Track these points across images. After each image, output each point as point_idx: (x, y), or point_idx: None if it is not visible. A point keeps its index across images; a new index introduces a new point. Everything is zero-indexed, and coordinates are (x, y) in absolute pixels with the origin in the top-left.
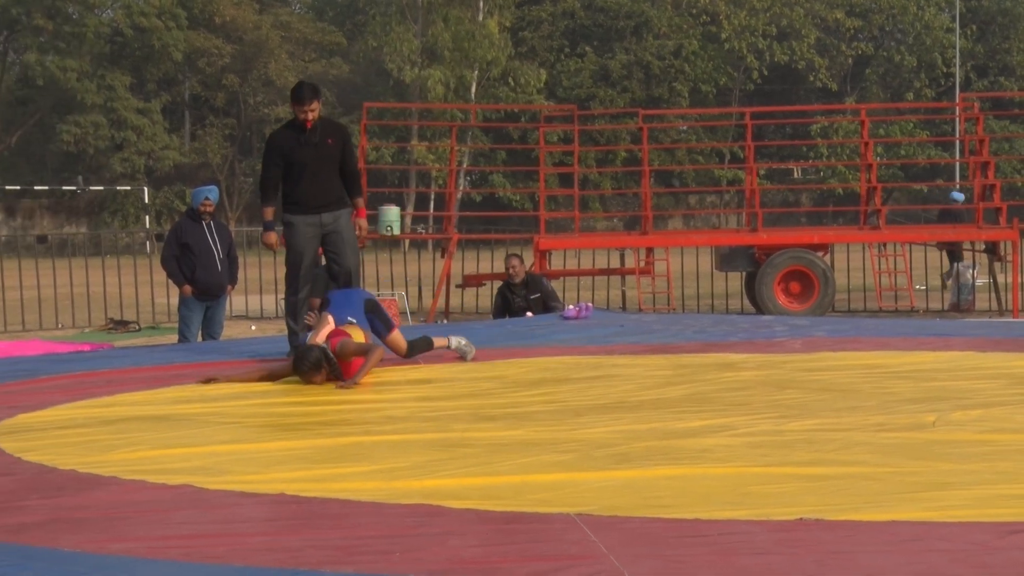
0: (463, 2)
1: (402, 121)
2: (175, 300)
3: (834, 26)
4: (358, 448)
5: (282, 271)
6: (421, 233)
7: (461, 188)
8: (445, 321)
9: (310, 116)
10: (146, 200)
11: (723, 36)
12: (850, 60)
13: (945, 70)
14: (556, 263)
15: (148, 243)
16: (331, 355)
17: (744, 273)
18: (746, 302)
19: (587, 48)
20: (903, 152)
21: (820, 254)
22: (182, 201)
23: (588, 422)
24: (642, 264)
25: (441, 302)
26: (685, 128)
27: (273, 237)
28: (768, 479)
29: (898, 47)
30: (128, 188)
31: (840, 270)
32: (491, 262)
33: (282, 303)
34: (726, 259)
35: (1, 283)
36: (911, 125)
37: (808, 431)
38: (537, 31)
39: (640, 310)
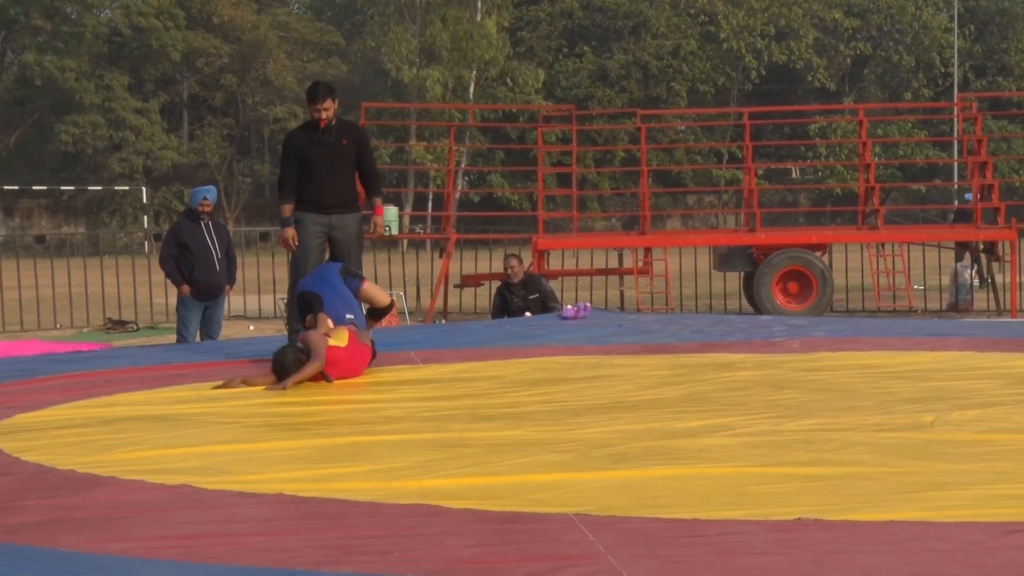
0: (461, 2)
1: (400, 121)
2: (173, 300)
3: (832, 26)
4: (356, 448)
5: (280, 271)
6: (419, 233)
7: (459, 188)
8: (443, 321)
9: (324, 115)
10: (144, 200)
11: (721, 36)
12: (848, 60)
13: (943, 70)
14: (554, 263)
15: (146, 243)
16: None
17: (742, 273)
18: (744, 302)
19: (585, 48)
20: (901, 152)
21: (818, 254)
22: (180, 201)
23: (586, 422)
24: (640, 264)
25: (439, 302)
26: (683, 128)
27: (291, 233)
28: (766, 479)
29: (896, 47)
30: (126, 188)
31: (838, 270)
32: (489, 262)
33: (280, 303)
34: (724, 259)
35: None
36: (909, 125)
37: (806, 431)
38: (535, 31)
39: (638, 310)
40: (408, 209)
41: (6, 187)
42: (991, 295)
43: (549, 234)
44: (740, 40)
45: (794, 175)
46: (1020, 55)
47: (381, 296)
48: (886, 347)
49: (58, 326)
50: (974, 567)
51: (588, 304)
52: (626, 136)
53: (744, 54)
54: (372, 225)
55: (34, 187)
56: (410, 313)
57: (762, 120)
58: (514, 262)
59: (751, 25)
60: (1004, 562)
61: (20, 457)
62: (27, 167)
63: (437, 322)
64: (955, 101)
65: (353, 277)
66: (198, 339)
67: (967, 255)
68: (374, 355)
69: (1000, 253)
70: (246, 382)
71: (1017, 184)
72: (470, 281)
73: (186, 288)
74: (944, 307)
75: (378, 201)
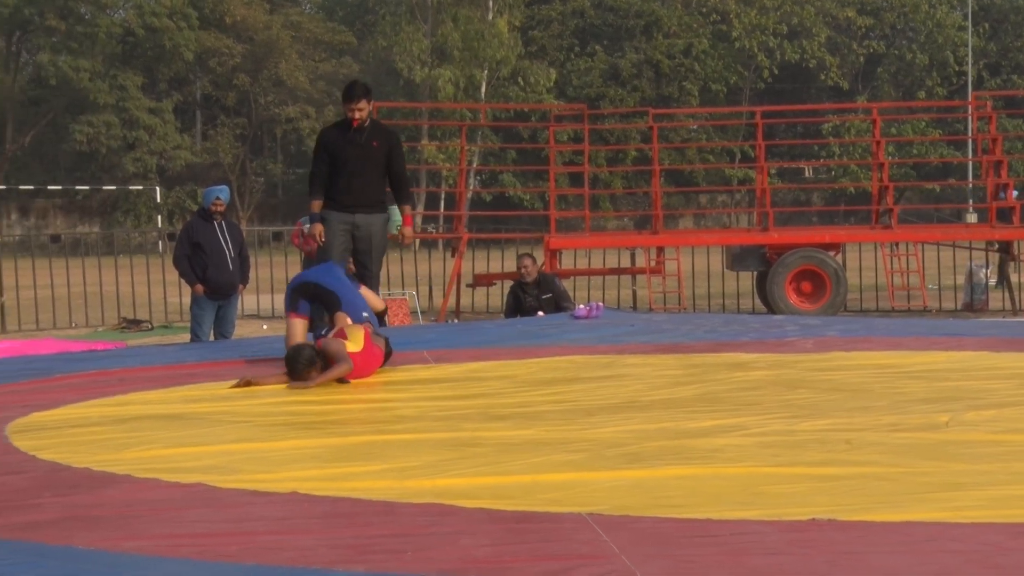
0: (473, 1)
1: (412, 121)
2: (187, 299)
3: (845, 24)
4: (370, 447)
5: (293, 270)
6: (431, 233)
7: (471, 188)
8: (456, 320)
9: (357, 115)
10: (158, 200)
11: (733, 35)
12: (861, 58)
13: (957, 68)
14: (566, 262)
15: (160, 242)
16: (321, 353)
17: (755, 273)
18: (757, 302)
19: (597, 47)
20: (915, 151)
21: (832, 253)
22: (194, 200)
23: (599, 422)
24: (653, 263)
25: (452, 301)
26: (695, 127)
27: (318, 228)
28: (779, 479)
29: (910, 45)
30: (140, 188)
31: (852, 269)
32: (501, 261)
33: None
34: (737, 258)
35: (15, 282)
36: (923, 124)
37: (820, 431)
38: (547, 30)
39: (651, 310)
40: (420, 209)
41: (21, 187)
42: (1006, 295)
43: (561, 233)
44: (752, 39)
45: (807, 174)
46: None
47: (376, 301)
48: (900, 347)
49: (73, 325)
50: (990, 568)
51: (600, 304)
52: (638, 135)
53: (756, 53)
54: (400, 235)
55: (49, 187)
56: (423, 312)
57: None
58: (528, 261)
59: (763, 24)
60: (1020, 563)
61: (36, 455)
62: (42, 167)
63: (450, 321)
64: (969, 99)
65: (351, 279)
66: (212, 338)
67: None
68: (389, 354)
69: (1015, 252)
70: (257, 382)
71: None
72: (482, 280)
73: (200, 287)
74: (959, 307)
75: (407, 209)
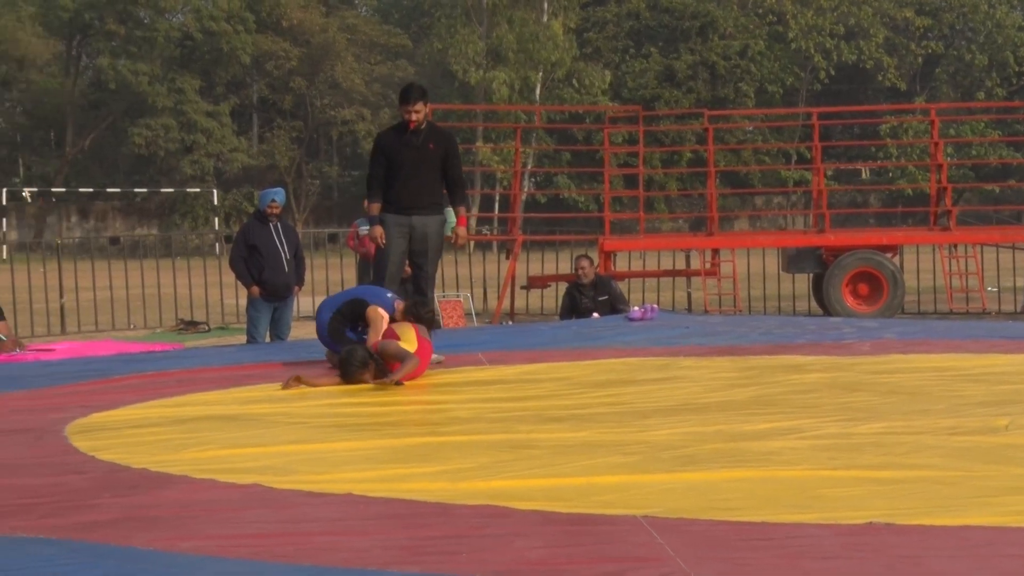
0: (528, 4)
1: (467, 123)
2: (244, 301)
3: (903, 25)
4: (424, 448)
5: (348, 272)
6: (486, 235)
7: (526, 189)
8: (510, 322)
9: (414, 117)
10: (215, 202)
11: (790, 36)
12: (919, 59)
13: (1017, 69)
14: (621, 264)
15: (217, 244)
16: (375, 355)
17: (811, 275)
18: (813, 304)
19: (652, 49)
20: (974, 152)
21: (889, 255)
22: (250, 203)
23: (654, 424)
24: (708, 265)
25: (506, 303)
26: (751, 129)
27: (378, 231)
28: (836, 482)
29: (969, 46)
30: (198, 190)
31: (910, 271)
32: (556, 263)
33: None
34: (793, 260)
35: (75, 284)
36: (982, 125)
37: (877, 434)
38: (602, 32)
39: (706, 312)
40: (475, 211)
41: (81, 189)
42: None
43: (616, 235)
44: (809, 40)
45: (864, 176)
46: None
47: (373, 334)
48: (959, 349)
49: (131, 327)
50: None
51: (655, 306)
52: (693, 137)
53: (813, 54)
54: (454, 235)
55: (108, 189)
56: (477, 314)
57: (831, 120)
58: (584, 263)
59: (820, 24)
60: None
61: (95, 456)
62: (101, 170)
63: (504, 323)
64: None
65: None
66: (268, 340)
67: None
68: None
69: None
70: (309, 381)
71: None
72: (536, 282)
73: (255, 289)
74: (1018, 309)
75: (462, 211)
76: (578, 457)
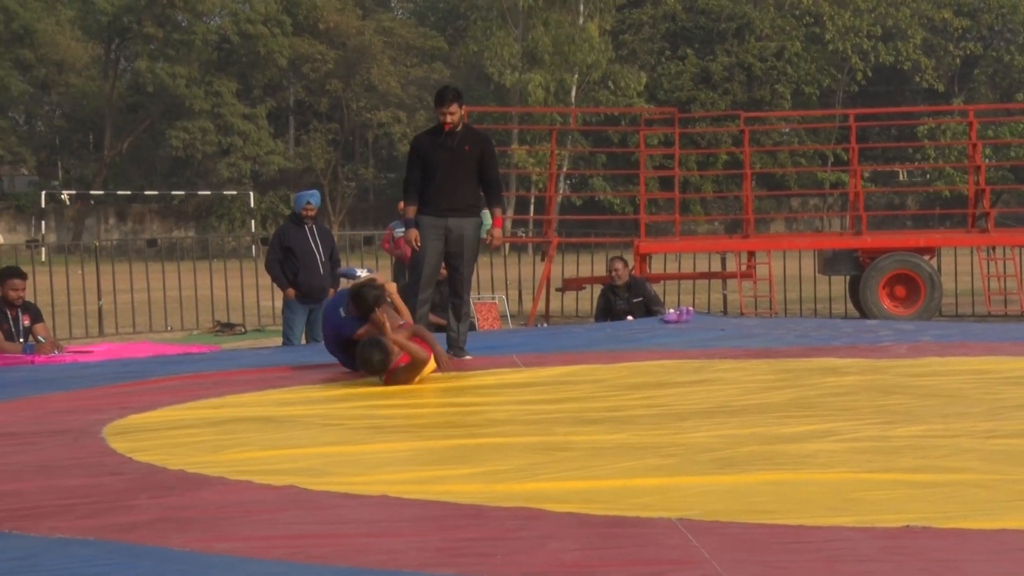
0: (563, 6)
1: (502, 125)
2: (280, 303)
3: (941, 26)
4: (460, 450)
5: (384, 275)
6: (521, 237)
7: (561, 192)
8: (545, 324)
9: (449, 119)
10: (252, 204)
11: (826, 37)
12: (958, 60)
13: None
14: (656, 266)
15: (254, 247)
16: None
17: (848, 277)
18: (850, 306)
19: (688, 51)
20: (1013, 154)
21: (927, 258)
22: (286, 205)
23: (690, 426)
24: (744, 268)
25: (541, 306)
26: (787, 130)
27: (414, 234)
28: (873, 485)
29: (1008, 47)
30: (234, 193)
31: (947, 274)
32: (591, 265)
33: None
34: (829, 263)
35: (112, 286)
36: (1021, 126)
37: (914, 437)
38: (638, 34)
39: (741, 314)
40: (510, 213)
41: (119, 192)
42: None
43: (651, 237)
44: (846, 41)
45: (901, 177)
46: None
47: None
48: (997, 352)
49: (168, 328)
50: None
51: (691, 308)
52: (729, 139)
53: (850, 55)
54: (489, 236)
55: (146, 192)
56: (512, 317)
57: (868, 122)
58: (619, 264)
59: (857, 26)
60: None
61: (132, 457)
62: (139, 172)
63: (539, 325)
64: None
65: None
66: (304, 342)
67: None
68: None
69: None
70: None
71: None
72: (572, 284)
73: (291, 291)
74: None
75: (497, 212)
76: (614, 459)
